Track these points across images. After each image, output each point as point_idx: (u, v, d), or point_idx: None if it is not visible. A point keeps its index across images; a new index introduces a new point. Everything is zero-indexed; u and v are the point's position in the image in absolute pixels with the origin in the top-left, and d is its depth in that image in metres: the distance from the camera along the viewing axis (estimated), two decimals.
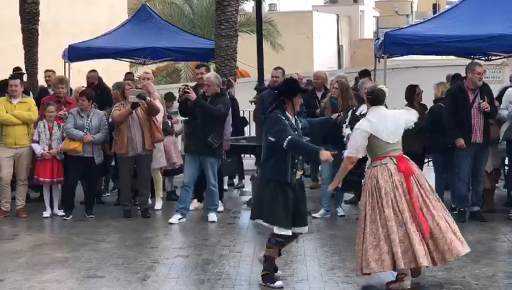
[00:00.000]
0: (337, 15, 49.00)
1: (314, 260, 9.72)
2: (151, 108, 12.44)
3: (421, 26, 14.66)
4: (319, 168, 13.32)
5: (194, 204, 12.90)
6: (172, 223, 11.93)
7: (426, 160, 14.15)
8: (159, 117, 12.85)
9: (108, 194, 14.53)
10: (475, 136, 11.90)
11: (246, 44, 21.71)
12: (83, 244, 10.60)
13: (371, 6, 57.26)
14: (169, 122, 13.61)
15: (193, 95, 11.88)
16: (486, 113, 11.86)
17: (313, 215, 12.33)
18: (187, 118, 12.68)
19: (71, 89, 15.18)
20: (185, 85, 12.51)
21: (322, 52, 44.38)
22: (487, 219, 11.95)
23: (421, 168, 12.76)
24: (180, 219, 12.07)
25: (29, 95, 13.74)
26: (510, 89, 12.41)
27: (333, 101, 12.39)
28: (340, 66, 46.38)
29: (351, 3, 53.78)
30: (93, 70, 15.32)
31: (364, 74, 14.95)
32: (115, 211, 13.03)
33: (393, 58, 17.70)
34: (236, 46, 16.42)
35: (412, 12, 58.88)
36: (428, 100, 13.06)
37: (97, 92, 13.88)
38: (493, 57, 14.69)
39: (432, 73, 19.92)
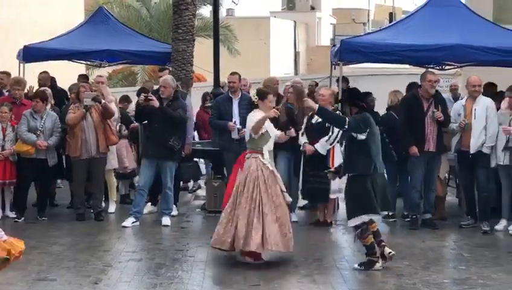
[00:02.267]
0: (295, 21, 49.13)
1: (267, 265, 9.70)
2: (105, 111, 12.39)
3: (377, 34, 14.81)
4: None
5: (148, 208, 12.86)
6: (125, 227, 11.89)
7: None
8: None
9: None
10: (428, 145, 12.03)
11: (203, 48, 21.65)
12: (35, 247, 10.48)
13: (328, 14, 57.53)
14: (123, 126, 13.55)
15: (156, 103, 11.86)
16: (440, 122, 12.00)
17: None
18: (144, 123, 12.67)
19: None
20: (145, 95, 12.38)
21: (278, 58, 44.49)
22: (438, 226, 12.08)
23: None
24: (133, 222, 12.03)
25: None
26: (457, 102, 12.59)
27: (288, 105, 12.46)
28: (296, 72, 46.50)
29: (308, 10, 53.99)
30: (45, 72, 15.20)
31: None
32: (68, 213, 12.96)
33: (350, 66, 17.87)
34: (192, 50, 16.38)
35: (368, 20, 59.32)
36: (384, 108, 13.16)
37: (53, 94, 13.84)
38: (447, 67, 14.82)
39: (388, 81, 20.10)
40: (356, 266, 9.56)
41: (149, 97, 11.96)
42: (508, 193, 11.91)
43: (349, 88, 10.59)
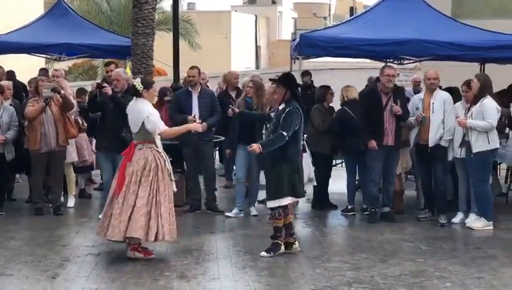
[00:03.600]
0: (256, 16, 49.17)
1: (227, 259, 9.76)
2: (65, 102, 12.33)
3: (336, 28, 14.90)
4: (233, 167, 13.37)
5: None
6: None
7: (339, 161, 14.40)
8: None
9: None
10: (387, 139, 12.11)
11: (163, 42, 21.58)
12: None
13: (289, 8, 57.62)
14: (81, 119, 13.47)
15: (109, 90, 11.84)
16: (398, 116, 12.09)
17: (226, 214, 12.41)
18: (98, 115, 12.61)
19: None
20: (98, 83, 12.44)
21: (239, 53, 44.48)
22: (397, 219, 12.18)
23: (330, 168, 13.06)
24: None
25: None
26: (415, 96, 12.70)
27: (247, 99, 12.49)
28: (257, 66, 46.55)
29: (269, 4, 54.03)
30: None
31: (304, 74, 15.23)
32: (27, 208, 12.88)
33: (310, 60, 17.94)
34: (152, 44, 16.33)
35: (330, 15, 59.52)
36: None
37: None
38: (405, 61, 14.94)
39: (349, 75, 20.21)
40: (264, 253, 9.79)
41: (102, 84, 11.95)
42: (464, 186, 12.05)
43: (286, 73, 10.61)
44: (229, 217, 12.31)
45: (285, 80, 10.02)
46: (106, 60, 16.03)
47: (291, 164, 9.79)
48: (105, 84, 12.03)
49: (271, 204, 9.86)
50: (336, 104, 13.24)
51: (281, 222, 9.85)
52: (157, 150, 9.79)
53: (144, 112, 9.73)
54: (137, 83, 9.87)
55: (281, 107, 9.88)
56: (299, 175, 9.96)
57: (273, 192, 9.84)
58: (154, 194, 9.63)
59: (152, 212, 9.57)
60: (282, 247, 9.87)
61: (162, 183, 9.69)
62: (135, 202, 9.56)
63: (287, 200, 9.82)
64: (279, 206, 9.82)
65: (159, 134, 9.81)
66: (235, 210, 12.45)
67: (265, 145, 9.79)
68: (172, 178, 9.90)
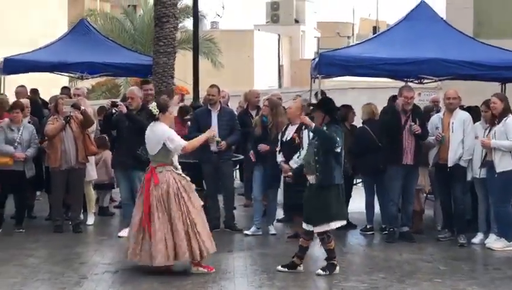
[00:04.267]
0: (279, 35, 49.27)
1: (243, 278, 9.76)
2: (85, 119, 12.42)
3: (355, 48, 14.86)
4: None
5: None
6: (121, 237, 11.80)
7: (359, 180, 14.34)
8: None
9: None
10: (406, 158, 12.07)
11: (186, 61, 21.67)
12: (10, 259, 10.49)
13: (312, 27, 57.69)
14: (106, 137, 13.58)
15: (123, 108, 11.92)
16: (418, 135, 12.05)
17: (245, 232, 12.40)
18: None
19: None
20: (113, 101, 12.54)
21: (262, 71, 44.56)
22: (416, 239, 12.11)
23: (351, 188, 12.99)
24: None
25: None
26: (434, 116, 12.62)
27: (263, 118, 12.51)
28: (280, 85, 46.60)
29: (293, 23, 54.13)
30: (22, 86, 15.26)
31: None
32: (46, 226, 12.93)
33: (332, 79, 17.92)
34: (173, 63, 16.41)
35: (353, 34, 59.47)
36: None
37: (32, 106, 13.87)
38: (425, 80, 14.88)
39: (370, 94, 20.16)
40: (320, 271, 9.82)
41: (116, 103, 12.03)
42: (484, 207, 11.97)
43: (324, 97, 10.69)
44: (247, 235, 12.30)
45: (323, 105, 10.10)
46: (142, 79, 16.03)
47: (337, 187, 9.83)
48: (120, 102, 12.11)
49: (319, 229, 9.83)
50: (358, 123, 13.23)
51: (332, 245, 9.88)
52: (177, 173, 9.86)
53: (163, 134, 9.83)
54: (153, 107, 9.98)
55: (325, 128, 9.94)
56: (343, 198, 10.02)
57: (320, 216, 9.81)
58: (186, 215, 9.72)
59: (190, 233, 9.68)
60: (337, 268, 9.90)
61: (189, 203, 9.78)
62: (173, 227, 9.67)
63: (336, 224, 9.85)
64: (326, 231, 9.84)
65: (182, 150, 9.88)
66: (253, 228, 12.45)
67: (319, 131, 9.82)
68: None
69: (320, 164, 9.79)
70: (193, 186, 9.98)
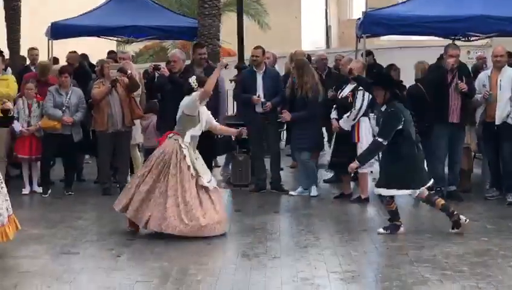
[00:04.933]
0: None
1: (289, 238, 9.79)
2: (131, 83, 12.50)
3: (401, 6, 14.73)
4: None
5: None
6: None
7: None
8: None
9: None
10: (452, 117, 11.96)
11: (233, 23, 21.63)
12: (60, 221, 10.65)
13: None
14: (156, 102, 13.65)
15: (166, 71, 11.96)
16: (464, 93, 11.92)
17: (290, 193, 12.43)
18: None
19: None
20: (154, 64, 12.61)
21: (310, 32, 44.27)
22: (463, 198, 12.04)
23: None
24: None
25: (9, 72, 13.73)
26: (482, 73, 12.44)
27: (293, 80, 12.52)
28: (328, 46, 46.28)
29: None
30: (73, 52, 15.38)
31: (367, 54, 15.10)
32: (95, 188, 13.10)
33: (380, 38, 17.79)
34: (219, 25, 16.44)
35: None
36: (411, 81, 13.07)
37: (80, 71, 13.98)
38: (473, 38, 14.71)
39: (417, 54, 19.93)
40: (381, 230, 9.87)
41: (159, 66, 12.07)
42: None
43: (380, 72, 10.59)
44: (292, 195, 12.32)
45: (382, 81, 9.98)
46: (195, 41, 16.01)
47: (407, 161, 9.75)
48: (162, 66, 12.15)
49: (380, 191, 9.96)
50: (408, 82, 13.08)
51: (393, 206, 9.94)
52: (180, 144, 9.82)
53: (184, 101, 9.96)
54: (193, 81, 10.02)
55: (383, 109, 9.88)
56: (416, 167, 9.91)
57: (383, 181, 9.92)
58: (160, 185, 9.70)
59: (150, 202, 9.70)
60: (401, 228, 9.92)
61: (173, 178, 9.66)
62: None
63: (393, 192, 9.85)
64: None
65: (201, 95, 9.86)
66: (299, 189, 12.46)
67: (363, 157, 10.06)
68: (199, 174, 9.83)
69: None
70: (192, 164, 9.80)
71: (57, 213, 11.17)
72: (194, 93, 9.90)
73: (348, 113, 11.78)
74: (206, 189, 9.81)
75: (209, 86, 10.01)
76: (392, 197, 9.91)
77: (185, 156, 9.76)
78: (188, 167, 9.73)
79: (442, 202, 10.02)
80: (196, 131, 9.97)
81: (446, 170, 12.34)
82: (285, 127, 15.59)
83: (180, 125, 9.96)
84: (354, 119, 11.76)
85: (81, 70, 14.58)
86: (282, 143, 16.38)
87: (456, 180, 12.29)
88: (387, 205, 9.95)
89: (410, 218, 11.20)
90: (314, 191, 12.45)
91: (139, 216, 9.74)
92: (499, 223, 10.53)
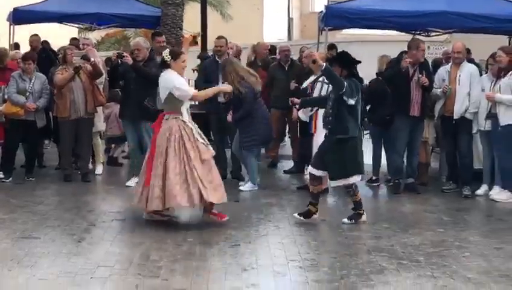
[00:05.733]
0: None
1: (249, 227, 9.88)
2: (94, 70, 12.52)
3: (364, 0, 14.87)
4: None
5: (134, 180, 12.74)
6: (129, 186, 12.03)
7: (365, 132, 14.43)
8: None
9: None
10: (413, 110, 12.15)
11: (195, 13, 21.67)
12: (21, 206, 10.66)
13: None
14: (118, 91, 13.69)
15: (129, 59, 11.98)
16: (424, 87, 12.12)
17: (240, 188, 12.36)
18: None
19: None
20: (118, 52, 12.62)
21: (272, 24, 44.38)
22: (420, 191, 12.24)
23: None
24: (137, 181, 12.22)
25: None
26: (442, 68, 12.63)
27: None
28: (290, 38, 46.43)
29: None
30: (35, 35, 15.35)
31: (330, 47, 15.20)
32: (56, 174, 13.11)
33: (342, 32, 17.94)
34: (182, 14, 16.50)
35: None
36: (372, 75, 13.23)
37: (42, 56, 13.93)
38: (433, 33, 14.92)
39: (378, 47, 20.11)
40: (346, 220, 9.98)
41: (122, 54, 12.09)
42: (488, 159, 12.08)
43: (342, 51, 10.68)
44: (242, 191, 12.26)
45: (339, 59, 10.11)
46: (154, 30, 16.04)
47: (353, 139, 9.84)
48: (125, 54, 12.16)
49: (336, 183, 10.05)
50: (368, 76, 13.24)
51: (358, 197, 10.04)
52: (183, 120, 9.86)
53: (171, 82, 9.80)
54: (166, 54, 9.97)
55: None
56: (360, 150, 10.02)
57: (337, 171, 9.89)
58: (185, 162, 9.65)
59: (189, 180, 9.60)
60: (363, 216, 10.04)
61: (192, 152, 9.70)
62: (167, 173, 9.62)
63: (353, 179, 9.92)
64: (352, 183, 9.95)
65: (192, 98, 9.97)
66: (249, 184, 12.39)
67: (328, 70, 9.73)
68: (207, 142, 9.98)
69: (334, 117, 9.86)
70: (200, 135, 9.94)
71: (18, 198, 11.17)
72: (187, 88, 9.95)
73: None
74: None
75: (203, 95, 10.45)
76: (356, 186, 10.02)
77: (191, 129, 9.82)
78: (199, 139, 9.81)
79: (360, 197, 10.13)
80: (187, 104, 10.02)
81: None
82: None
83: (171, 104, 9.86)
84: (311, 110, 11.87)
85: (43, 55, 14.54)
86: None
87: (414, 173, 12.49)
88: (354, 195, 10.02)
89: (370, 209, 11.33)
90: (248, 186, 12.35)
91: (192, 197, 9.61)
92: (455, 215, 10.74)
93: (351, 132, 9.82)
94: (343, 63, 9.97)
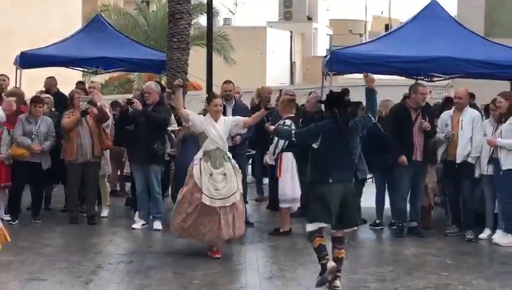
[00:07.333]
0: (291, 32, 49.42)
1: (254, 269, 9.97)
2: (101, 114, 12.67)
3: (367, 45, 15.10)
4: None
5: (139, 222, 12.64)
6: (135, 229, 12.18)
7: (369, 176, 14.52)
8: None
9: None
10: (415, 155, 12.28)
11: (199, 57, 21.89)
12: (28, 248, 10.74)
13: (324, 25, 57.80)
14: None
15: (139, 106, 12.12)
16: (427, 132, 12.26)
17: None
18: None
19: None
20: (128, 98, 12.77)
21: (274, 68, 44.76)
22: (424, 234, 12.32)
23: (363, 185, 13.14)
24: (143, 224, 12.33)
25: None
26: (445, 112, 12.76)
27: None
28: (292, 82, 46.78)
29: (305, 20, 54.28)
30: (51, 77, 15.54)
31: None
32: (62, 217, 13.20)
33: (346, 76, 18.10)
34: (187, 59, 16.60)
35: (365, 32, 59.54)
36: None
37: (57, 99, 14.14)
38: (435, 78, 15.08)
39: (383, 92, 20.27)
40: (318, 277, 8.95)
41: (131, 100, 12.24)
42: (491, 203, 12.17)
43: (330, 92, 10.45)
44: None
45: (326, 100, 9.48)
46: (149, 74, 16.25)
47: (311, 186, 9.07)
48: (135, 100, 12.31)
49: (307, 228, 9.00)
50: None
51: (316, 242, 8.92)
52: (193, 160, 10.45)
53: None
54: (204, 99, 10.57)
55: None
56: (321, 198, 8.87)
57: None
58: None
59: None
60: (328, 264, 8.74)
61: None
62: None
63: (308, 227, 8.97)
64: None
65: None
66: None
67: (278, 131, 10.41)
68: (203, 191, 10.35)
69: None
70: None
71: (25, 240, 11.24)
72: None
73: (270, 148, 12.10)
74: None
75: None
76: (311, 234, 8.94)
77: (192, 168, 10.40)
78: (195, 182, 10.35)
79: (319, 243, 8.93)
80: (207, 145, 10.45)
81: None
82: (250, 161, 15.83)
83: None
84: (273, 153, 12.02)
85: (59, 97, 14.70)
86: (248, 177, 16.57)
87: (418, 217, 12.58)
88: (311, 242, 8.97)
89: (373, 252, 11.48)
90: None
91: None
92: (459, 259, 10.82)
93: (308, 177, 9.23)
94: (326, 104, 9.46)
